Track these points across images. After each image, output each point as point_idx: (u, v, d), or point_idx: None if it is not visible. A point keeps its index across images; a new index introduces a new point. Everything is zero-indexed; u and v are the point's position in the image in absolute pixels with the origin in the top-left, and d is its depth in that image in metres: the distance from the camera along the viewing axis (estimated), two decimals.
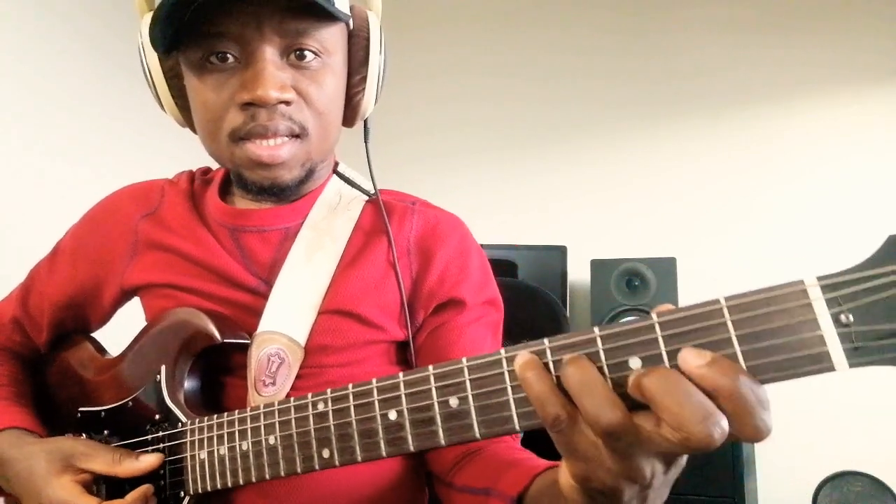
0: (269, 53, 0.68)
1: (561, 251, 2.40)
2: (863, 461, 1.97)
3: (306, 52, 0.71)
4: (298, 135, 0.73)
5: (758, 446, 2.20)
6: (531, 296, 1.48)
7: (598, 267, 2.29)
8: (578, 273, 2.44)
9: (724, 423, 0.37)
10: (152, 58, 0.74)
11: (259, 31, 0.68)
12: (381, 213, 0.81)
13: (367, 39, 0.76)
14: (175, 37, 0.68)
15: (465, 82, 2.87)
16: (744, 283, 1.82)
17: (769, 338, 0.37)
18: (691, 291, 2.28)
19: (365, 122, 0.84)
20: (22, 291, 0.91)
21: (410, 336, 0.80)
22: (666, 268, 2.21)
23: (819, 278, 0.37)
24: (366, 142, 0.84)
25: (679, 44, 2.59)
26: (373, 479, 0.77)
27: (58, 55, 1.92)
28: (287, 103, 0.70)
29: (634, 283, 2.23)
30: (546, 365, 0.45)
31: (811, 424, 2.18)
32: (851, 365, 0.36)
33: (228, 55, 0.69)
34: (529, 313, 1.44)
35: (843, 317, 0.36)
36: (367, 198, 0.86)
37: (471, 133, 2.83)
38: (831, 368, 0.36)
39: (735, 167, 2.46)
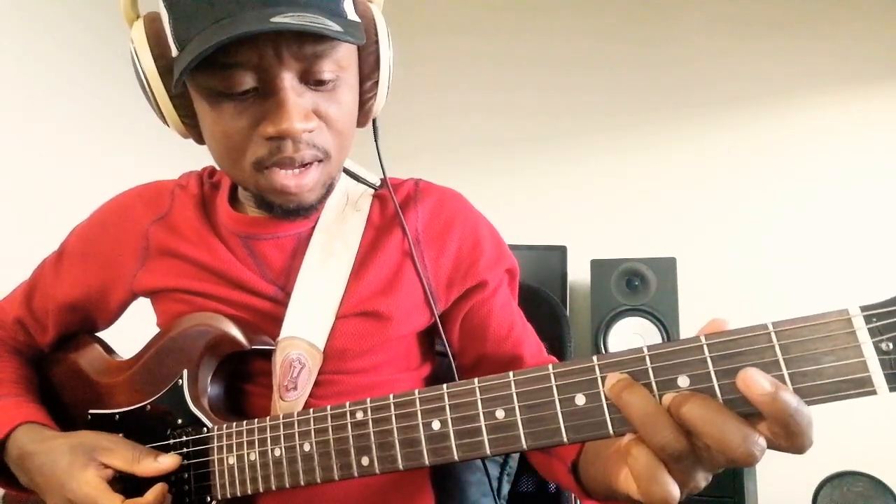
0: (289, 81, 0.66)
1: (561, 251, 2.42)
2: (863, 461, 1.99)
3: (324, 73, 0.68)
4: (322, 159, 0.73)
5: None
6: (531, 296, 1.48)
7: (598, 267, 2.31)
8: (578, 273, 2.46)
9: (762, 442, 0.41)
10: (156, 82, 0.70)
11: (278, 58, 0.65)
12: (394, 204, 0.82)
13: (377, 43, 0.75)
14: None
15: (464, 84, 2.88)
16: (744, 284, 1.84)
17: (814, 362, 0.40)
18: (691, 291, 2.31)
19: (374, 121, 0.83)
20: (26, 291, 0.90)
21: (437, 316, 0.82)
22: (666, 268, 2.23)
23: (862, 308, 0.39)
24: (376, 140, 0.84)
25: (679, 44, 2.61)
26: (383, 481, 0.78)
27: (58, 51, 1.91)
28: (310, 131, 0.69)
29: (634, 283, 2.25)
30: (594, 381, 0.47)
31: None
32: (892, 389, 0.39)
33: (245, 83, 0.66)
34: (529, 313, 1.45)
35: (883, 345, 0.39)
36: (372, 191, 0.87)
37: (471, 133, 2.84)
38: (873, 392, 0.39)
39: (735, 167, 2.48)
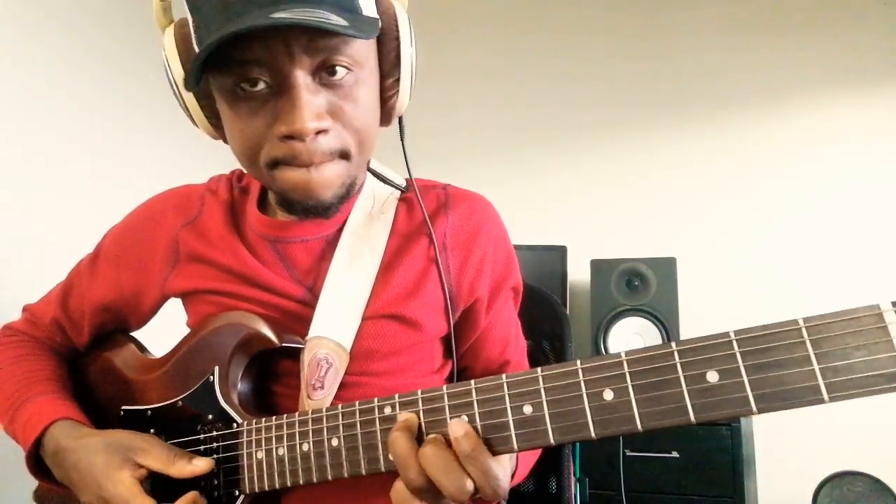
0: (301, 77, 0.65)
1: (561, 251, 2.42)
2: (863, 461, 1.99)
3: (338, 69, 0.67)
4: (340, 156, 0.72)
5: (758, 446, 2.24)
6: (531, 296, 1.49)
7: (598, 267, 2.31)
8: (578, 273, 2.47)
9: (470, 485, 0.55)
10: (183, 83, 0.71)
11: (289, 54, 0.64)
12: (421, 210, 0.83)
13: (398, 39, 0.73)
14: (204, 66, 0.64)
15: (465, 84, 2.89)
16: (744, 283, 1.85)
17: (845, 357, 0.41)
18: (691, 291, 2.32)
19: (400, 119, 0.81)
20: (62, 292, 0.92)
21: (452, 328, 0.83)
22: (666, 268, 2.23)
23: (894, 303, 0.40)
24: (402, 140, 0.83)
25: (680, 45, 2.63)
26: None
27: (71, 56, 1.90)
28: (325, 131, 0.68)
29: (634, 283, 2.25)
30: (623, 377, 0.48)
31: (811, 424, 2.22)
32: None
33: (260, 81, 0.66)
34: (530, 313, 1.46)
35: None
36: (399, 194, 0.87)
37: (471, 134, 2.85)
38: None
39: (735, 167, 2.50)
